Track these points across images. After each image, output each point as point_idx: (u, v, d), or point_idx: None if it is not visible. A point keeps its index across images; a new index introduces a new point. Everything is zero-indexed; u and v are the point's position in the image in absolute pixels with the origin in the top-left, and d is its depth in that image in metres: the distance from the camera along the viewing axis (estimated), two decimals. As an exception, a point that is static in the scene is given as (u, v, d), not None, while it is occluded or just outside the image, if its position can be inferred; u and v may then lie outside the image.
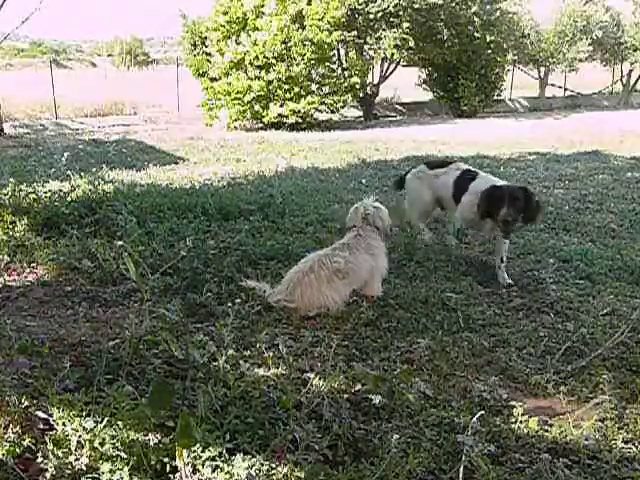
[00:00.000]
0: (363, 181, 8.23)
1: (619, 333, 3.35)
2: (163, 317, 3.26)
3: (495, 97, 21.33)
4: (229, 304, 3.21)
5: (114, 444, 2.19)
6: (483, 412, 2.37)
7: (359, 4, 17.42)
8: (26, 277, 4.38)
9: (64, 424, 2.27)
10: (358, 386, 2.87)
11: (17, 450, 2.25)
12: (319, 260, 3.94)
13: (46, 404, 2.45)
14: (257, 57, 15.80)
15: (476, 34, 18.77)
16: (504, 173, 8.95)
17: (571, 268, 4.71)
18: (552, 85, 25.11)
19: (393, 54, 17.89)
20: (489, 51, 19.46)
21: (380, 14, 17.33)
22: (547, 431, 2.60)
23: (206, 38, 17.51)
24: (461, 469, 2.13)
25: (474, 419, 2.27)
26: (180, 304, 3.77)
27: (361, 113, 19.76)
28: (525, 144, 12.57)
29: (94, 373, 2.81)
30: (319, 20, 15.91)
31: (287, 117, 15.97)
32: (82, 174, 7.17)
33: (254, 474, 2.17)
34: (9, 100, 16.58)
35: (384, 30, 17.54)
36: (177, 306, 3.65)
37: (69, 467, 2.16)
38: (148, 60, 49.77)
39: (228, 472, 2.17)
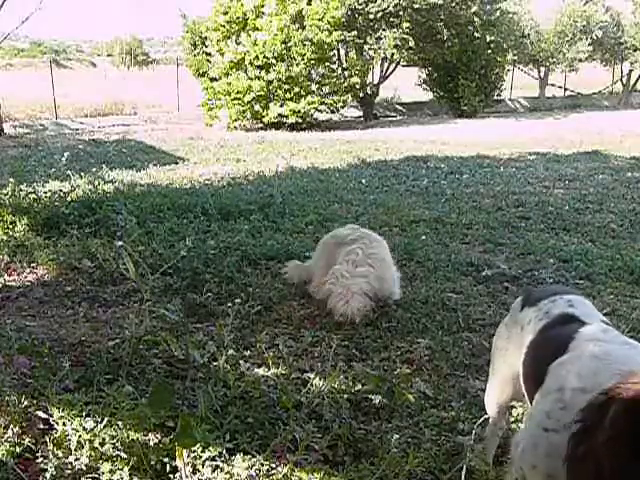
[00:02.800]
0: (363, 181, 8.23)
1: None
2: (163, 317, 3.26)
3: (495, 97, 21.33)
4: (229, 304, 3.21)
5: (114, 444, 2.19)
6: (486, 415, 2.36)
7: (359, 4, 17.42)
8: (26, 277, 4.38)
9: (64, 424, 2.27)
10: (358, 386, 2.87)
11: (17, 450, 2.25)
12: None
13: (46, 404, 2.45)
14: (257, 57, 15.80)
15: (476, 34, 18.78)
16: (504, 173, 8.96)
17: (571, 268, 4.71)
18: (552, 85, 25.11)
19: (393, 54, 17.90)
20: (489, 51, 19.46)
21: (380, 14, 17.33)
22: (547, 431, 2.60)
23: (206, 38, 17.51)
24: (463, 469, 2.13)
25: (477, 424, 2.27)
26: (180, 304, 3.77)
27: (361, 113, 19.75)
28: (525, 144, 12.56)
29: (94, 373, 2.81)
30: (319, 20, 15.91)
31: (287, 117, 15.97)
32: (82, 174, 7.18)
33: (254, 474, 2.17)
34: (9, 100, 16.57)
35: (384, 30, 17.54)
36: (177, 306, 3.65)
37: (69, 467, 2.16)
38: (148, 60, 49.77)
39: (228, 472, 2.17)
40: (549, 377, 1.70)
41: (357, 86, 17.60)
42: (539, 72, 24.39)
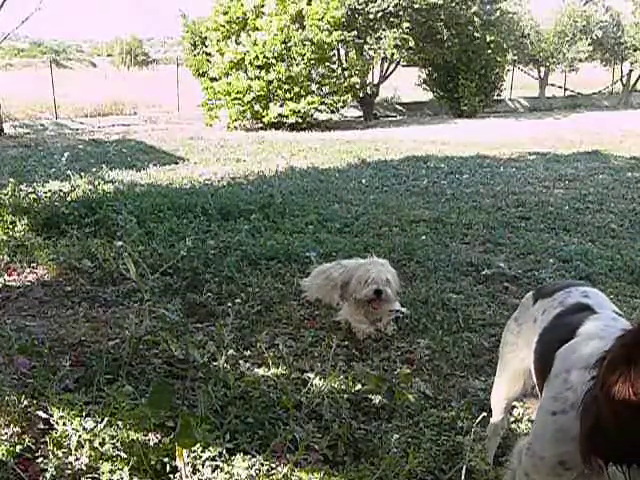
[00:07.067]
0: (363, 181, 8.23)
1: (619, 333, 3.33)
2: (163, 317, 3.26)
3: (495, 97, 21.35)
4: (229, 304, 3.22)
5: (114, 444, 2.19)
6: (485, 414, 2.36)
7: (359, 4, 17.42)
8: (26, 277, 4.38)
9: (64, 424, 2.27)
10: (358, 386, 2.87)
11: (17, 450, 2.25)
12: None
13: (46, 404, 2.45)
14: (257, 57, 15.81)
15: (476, 34, 18.79)
16: (504, 173, 8.96)
17: (571, 268, 4.71)
18: (552, 85, 25.12)
19: (393, 54, 17.90)
20: (489, 51, 19.48)
21: (380, 14, 17.34)
22: (547, 431, 2.60)
23: (206, 38, 17.52)
24: (463, 469, 2.13)
25: (476, 423, 2.27)
26: (180, 304, 3.77)
27: (361, 113, 19.76)
28: (525, 144, 12.56)
29: (94, 373, 2.81)
30: (319, 20, 15.92)
31: (287, 117, 15.97)
32: (82, 174, 7.18)
33: (254, 474, 2.17)
34: (9, 100, 16.56)
35: (384, 30, 17.55)
36: (177, 306, 3.65)
37: (69, 467, 2.16)
38: (148, 60, 49.74)
39: (228, 472, 2.17)
40: (556, 362, 1.68)
41: (357, 86, 17.61)
42: (539, 72, 24.40)
